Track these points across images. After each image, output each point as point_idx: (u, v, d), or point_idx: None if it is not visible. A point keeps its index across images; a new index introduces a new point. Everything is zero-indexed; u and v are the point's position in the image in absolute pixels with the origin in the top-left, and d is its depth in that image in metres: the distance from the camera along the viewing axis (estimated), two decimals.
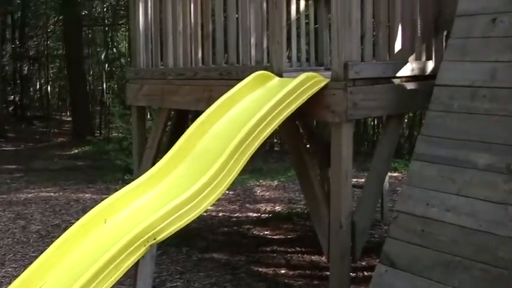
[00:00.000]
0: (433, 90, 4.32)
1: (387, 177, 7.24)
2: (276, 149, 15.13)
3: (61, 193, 10.37)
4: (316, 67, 7.76)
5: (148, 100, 6.85)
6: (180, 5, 6.17)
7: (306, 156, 5.19)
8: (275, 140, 15.07)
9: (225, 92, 4.78)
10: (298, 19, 7.97)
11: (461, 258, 3.68)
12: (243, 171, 4.34)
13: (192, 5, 6.13)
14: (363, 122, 14.62)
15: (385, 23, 5.11)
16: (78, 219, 3.77)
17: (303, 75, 4.61)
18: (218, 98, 4.73)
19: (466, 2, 4.38)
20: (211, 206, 4.28)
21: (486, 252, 3.61)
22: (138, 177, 4.16)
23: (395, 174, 10.57)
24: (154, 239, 3.46)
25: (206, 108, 4.63)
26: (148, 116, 13.49)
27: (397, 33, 5.29)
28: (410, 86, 5.21)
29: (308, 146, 7.64)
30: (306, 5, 8.01)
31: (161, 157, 4.38)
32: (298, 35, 7.96)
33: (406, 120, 12.70)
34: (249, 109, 4.52)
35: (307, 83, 4.57)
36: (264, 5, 5.56)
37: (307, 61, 7.93)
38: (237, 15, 5.75)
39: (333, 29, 4.70)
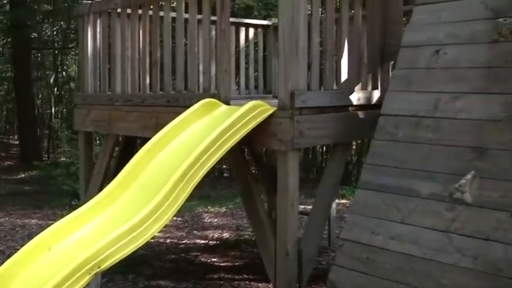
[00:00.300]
0: (379, 119, 4.38)
1: (334, 204, 7.29)
2: (225, 175, 15.12)
3: (7, 218, 10.15)
4: (264, 94, 7.81)
5: (95, 126, 6.79)
6: (129, 31, 6.16)
7: (252, 184, 5.19)
8: (224, 167, 15.05)
9: (172, 119, 4.78)
10: (247, 46, 8.04)
11: (406, 286, 3.72)
12: (191, 197, 4.32)
13: (140, 31, 6.13)
14: (312, 149, 14.71)
15: (331, 52, 5.17)
16: (23, 246, 3.70)
17: (250, 104, 4.63)
18: (165, 125, 4.73)
19: (411, 33, 4.47)
20: (158, 232, 4.25)
21: (430, 279, 3.65)
22: (84, 203, 4.12)
23: (343, 201, 10.63)
24: (99, 267, 3.42)
25: (153, 135, 4.62)
26: (97, 141, 13.36)
27: (343, 62, 5.36)
28: (356, 115, 5.28)
29: (256, 172, 7.67)
30: (255, 33, 8.07)
31: (108, 183, 4.34)
32: (247, 63, 8.02)
33: (354, 147, 12.84)
34: (196, 137, 4.53)
35: (254, 111, 4.60)
36: (213, 32, 5.58)
37: (256, 88, 7.99)
38: (185, 42, 5.77)
39: (280, 58, 4.74)
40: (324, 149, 14.77)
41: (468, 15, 4.16)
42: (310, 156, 15.03)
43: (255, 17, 11.90)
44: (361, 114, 5.31)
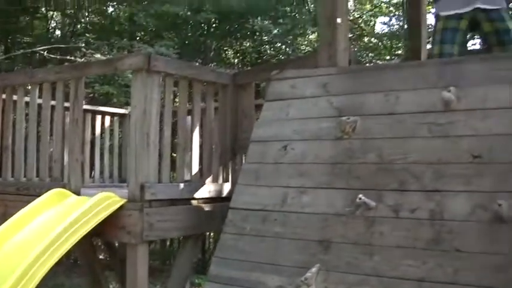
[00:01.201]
0: (228, 213, 4.41)
1: None
2: (79, 263, 14.55)
3: None
4: (120, 183, 7.70)
5: None
6: None
7: (100, 274, 5.06)
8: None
9: (22, 208, 4.61)
10: (103, 134, 7.95)
11: None
12: (44, 287, 4.13)
13: None
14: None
15: (183, 145, 5.21)
16: None
17: (99, 195, 4.57)
18: (14, 213, 4.55)
19: (260, 128, 4.59)
20: None
21: None
22: None
23: None
24: None
25: (0, 225, 4.43)
26: None
27: (195, 155, 5.40)
28: (207, 207, 5.30)
29: (108, 259, 7.46)
30: (112, 121, 8.01)
31: None
32: (102, 151, 7.91)
33: (212, 234, 12.78)
34: (44, 228, 4.39)
35: (103, 203, 4.53)
36: (67, 120, 5.50)
37: (111, 177, 7.86)
38: (38, 129, 5.63)
39: (131, 150, 4.73)
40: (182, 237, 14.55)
41: (314, 113, 4.33)
42: (167, 243, 14.82)
43: (114, 104, 11.86)
44: (212, 206, 5.34)
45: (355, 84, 4.29)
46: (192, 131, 5.43)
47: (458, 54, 4.70)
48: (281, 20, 15.56)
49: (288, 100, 4.53)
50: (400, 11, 15.15)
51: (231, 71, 17.44)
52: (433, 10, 5.45)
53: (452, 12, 4.71)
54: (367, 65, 15.56)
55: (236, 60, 18.20)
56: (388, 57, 15.98)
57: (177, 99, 5.75)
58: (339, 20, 4.48)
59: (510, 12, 5.09)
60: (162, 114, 5.08)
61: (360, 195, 3.73)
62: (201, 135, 5.52)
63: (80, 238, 4.30)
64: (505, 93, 3.66)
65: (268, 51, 15.93)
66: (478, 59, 4.02)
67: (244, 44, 17.09)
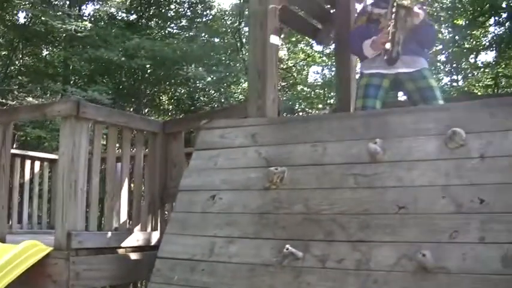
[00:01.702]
0: (155, 262, 4.36)
1: None
2: None
3: None
4: (49, 229, 7.53)
5: None
6: None
7: None
8: None
9: None
10: (32, 180, 7.79)
11: None
12: None
13: None
14: None
15: (111, 193, 5.14)
16: None
17: (24, 243, 4.46)
18: None
19: (189, 177, 4.57)
20: None
21: None
22: None
23: None
24: None
25: None
26: None
27: (123, 203, 5.34)
28: (135, 256, 5.22)
29: None
30: (42, 166, 7.87)
31: None
32: (31, 196, 7.75)
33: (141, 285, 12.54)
34: None
35: (28, 251, 4.42)
36: None
37: (40, 223, 7.70)
38: None
39: (58, 198, 4.64)
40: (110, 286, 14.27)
41: (243, 163, 4.35)
42: None
43: (45, 148, 11.70)
44: (140, 255, 5.26)
45: (284, 135, 4.34)
46: (121, 179, 5.37)
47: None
48: (215, 68, 15.72)
49: (217, 150, 4.54)
50: (333, 60, 15.47)
51: (164, 117, 17.52)
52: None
53: (375, 71, 4.84)
54: (301, 113, 15.81)
55: (170, 107, 18.23)
56: (320, 106, 16.27)
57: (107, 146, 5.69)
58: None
59: (432, 68, 5.25)
60: (90, 161, 5.02)
61: (287, 246, 3.74)
62: (130, 183, 5.46)
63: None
64: (430, 145, 3.76)
65: (202, 99, 16.04)
66: (403, 112, 4.11)
67: (179, 91, 17.16)
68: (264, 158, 4.27)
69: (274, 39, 4.80)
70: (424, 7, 4.99)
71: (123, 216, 5.34)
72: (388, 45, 4.57)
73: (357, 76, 5.79)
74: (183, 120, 8.22)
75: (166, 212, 5.92)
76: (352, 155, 3.94)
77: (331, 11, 6.62)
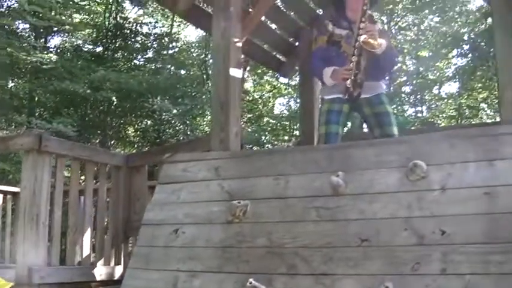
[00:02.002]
0: None
1: None
2: None
3: None
4: (11, 264, 7.40)
5: None
6: None
7: None
8: None
9: None
10: None
11: None
12: None
13: None
14: None
15: (74, 227, 5.09)
16: None
17: None
18: None
19: (152, 211, 4.54)
20: None
21: None
22: None
23: None
24: None
25: None
26: None
27: (86, 237, 5.28)
28: None
29: None
30: (4, 199, 7.75)
31: None
32: None
33: None
34: None
35: None
36: None
37: (2, 257, 7.56)
38: None
39: (19, 231, 4.58)
40: None
41: (206, 197, 4.33)
42: None
43: (10, 181, 11.57)
44: None
45: (247, 168, 4.34)
46: (84, 212, 5.32)
47: (342, 134, 4.88)
48: (181, 100, 15.72)
49: (180, 183, 4.52)
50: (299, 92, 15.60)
51: (130, 149, 17.43)
52: None
53: (335, 96, 4.88)
54: (267, 145, 15.85)
55: (137, 139, 18.16)
56: (286, 138, 16.33)
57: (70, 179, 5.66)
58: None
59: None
60: (53, 194, 4.97)
61: (250, 280, 3.72)
62: (94, 217, 5.41)
63: None
64: (391, 177, 3.78)
65: (168, 131, 16.01)
66: (366, 145, 4.15)
67: (145, 123, 17.11)
68: (226, 192, 4.26)
69: (237, 72, 4.83)
70: (385, 30, 5.07)
71: (86, 250, 5.28)
72: (348, 83, 4.62)
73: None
74: (146, 153, 8.19)
75: (130, 246, 5.86)
76: (315, 188, 3.95)
77: (295, 44, 6.69)
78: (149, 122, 16.81)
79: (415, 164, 3.70)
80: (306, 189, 3.98)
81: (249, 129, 17.18)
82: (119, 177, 5.63)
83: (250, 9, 5.77)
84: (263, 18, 6.18)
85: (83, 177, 7.02)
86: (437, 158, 3.75)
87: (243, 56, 5.19)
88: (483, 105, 17.87)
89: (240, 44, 4.94)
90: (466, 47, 17.90)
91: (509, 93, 3.84)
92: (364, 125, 5.33)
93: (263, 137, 16.14)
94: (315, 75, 5.21)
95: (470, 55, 17.58)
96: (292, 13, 6.92)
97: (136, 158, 6.00)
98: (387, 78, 5.11)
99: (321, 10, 6.76)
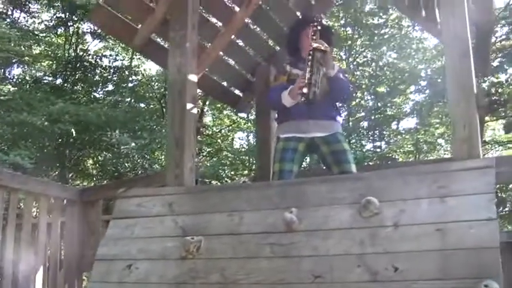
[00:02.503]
0: None
1: None
2: None
3: None
4: None
5: None
6: None
7: None
8: None
9: None
10: None
11: None
12: None
13: None
14: None
15: (27, 261, 5.01)
16: None
17: None
18: None
19: (105, 246, 4.48)
20: None
21: None
22: None
23: None
24: None
25: None
26: None
27: (39, 273, 5.20)
28: None
29: None
30: None
31: None
32: None
33: None
34: None
35: None
36: None
37: None
38: None
39: None
40: None
41: (160, 232, 4.31)
42: None
43: None
44: None
45: (201, 204, 4.33)
46: (37, 247, 5.24)
47: (296, 173, 4.90)
48: (140, 133, 15.66)
49: (134, 218, 4.49)
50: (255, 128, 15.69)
51: (89, 182, 17.26)
52: None
53: (291, 135, 4.92)
54: (226, 180, 15.83)
55: (95, 172, 18.01)
56: (246, 172, 16.33)
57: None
58: None
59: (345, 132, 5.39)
60: (5, 228, 4.88)
61: None
62: (47, 251, 5.32)
63: None
64: (345, 214, 3.81)
65: (126, 164, 15.89)
66: (319, 181, 4.17)
67: (103, 156, 16.98)
68: (180, 227, 4.23)
69: (192, 108, 4.84)
70: (338, 64, 5.16)
71: (39, 285, 5.19)
72: (305, 90, 4.63)
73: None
74: (101, 188, 8.13)
75: (84, 281, 5.78)
76: (269, 224, 3.95)
77: (252, 80, 6.73)
78: (108, 156, 16.68)
79: (368, 201, 3.73)
80: (260, 226, 3.98)
81: (208, 164, 17.17)
82: (73, 212, 5.57)
83: (207, 45, 5.81)
84: (220, 53, 6.22)
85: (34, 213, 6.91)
86: (390, 194, 3.79)
87: (199, 91, 5.20)
88: (440, 140, 18.11)
89: (195, 80, 4.96)
90: (423, 83, 18.22)
91: (460, 131, 3.91)
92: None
93: (222, 172, 16.12)
94: (273, 104, 5.22)
95: (427, 91, 17.89)
96: (250, 49, 6.98)
97: (91, 192, 5.94)
98: (343, 114, 5.13)
99: (278, 47, 6.82)
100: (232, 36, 6.14)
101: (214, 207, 4.24)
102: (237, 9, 5.90)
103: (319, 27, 4.85)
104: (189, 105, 4.77)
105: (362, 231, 3.70)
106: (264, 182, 5.58)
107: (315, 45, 4.68)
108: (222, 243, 4.03)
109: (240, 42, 6.91)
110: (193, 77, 4.91)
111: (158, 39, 5.91)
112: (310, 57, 4.67)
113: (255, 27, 7.13)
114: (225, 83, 7.19)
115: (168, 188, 4.63)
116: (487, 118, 17.59)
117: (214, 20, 6.38)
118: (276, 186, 4.30)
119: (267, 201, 4.10)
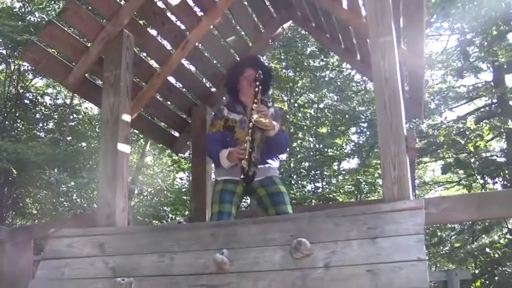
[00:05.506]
0: None
1: None
2: None
3: None
4: None
5: None
6: None
7: None
8: None
9: None
10: None
11: None
12: None
13: None
14: None
15: None
16: None
17: None
18: None
19: None
20: None
21: None
22: None
23: None
24: None
25: None
26: None
27: None
28: None
29: None
30: None
31: None
32: None
33: None
34: None
35: None
36: None
37: None
38: None
39: None
40: None
41: (90, 273, 4.22)
42: None
43: None
44: None
45: (132, 245, 4.28)
46: None
47: (235, 215, 4.91)
48: (79, 172, 15.49)
49: (65, 259, 4.39)
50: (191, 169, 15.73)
51: (29, 221, 16.94)
52: None
53: (229, 178, 4.94)
54: (167, 219, 15.72)
55: (35, 211, 17.70)
56: (187, 212, 16.25)
57: None
58: None
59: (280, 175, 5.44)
60: None
61: None
62: None
63: None
64: (276, 255, 3.80)
65: (65, 203, 15.67)
66: (251, 222, 4.18)
67: (43, 194, 16.72)
68: (111, 268, 4.17)
69: (125, 148, 4.81)
70: (279, 112, 5.22)
71: None
72: (244, 164, 4.66)
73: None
74: (31, 227, 7.99)
75: None
76: (200, 265, 3.92)
77: (188, 121, 6.72)
78: (47, 194, 16.42)
79: (299, 242, 3.74)
80: (191, 267, 3.95)
81: (147, 204, 17.05)
82: (3, 252, 5.43)
83: (143, 84, 5.80)
84: (156, 94, 6.20)
85: None
86: (321, 236, 3.81)
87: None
88: (380, 181, 18.37)
89: (129, 120, 4.94)
90: (363, 124, 18.52)
91: (390, 172, 3.96)
92: None
93: (163, 212, 16.03)
94: (212, 157, 5.24)
95: (368, 132, 18.18)
96: (186, 90, 7.00)
97: (22, 232, 5.81)
98: (280, 158, 5.16)
99: (214, 88, 6.87)
100: (168, 77, 6.13)
101: (145, 248, 4.18)
102: (173, 50, 5.92)
103: (260, 87, 4.93)
104: (121, 146, 4.74)
105: (293, 272, 3.70)
106: (195, 223, 5.57)
107: (255, 117, 4.73)
108: (152, 285, 3.98)
109: (175, 83, 6.91)
110: (127, 117, 4.89)
111: (93, 79, 5.86)
112: (250, 131, 4.72)
113: (191, 67, 7.16)
114: (162, 124, 7.16)
115: (99, 228, 4.56)
116: (426, 159, 17.96)
117: (150, 60, 6.38)
118: (207, 228, 4.29)
119: (198, 242, 4.07)
